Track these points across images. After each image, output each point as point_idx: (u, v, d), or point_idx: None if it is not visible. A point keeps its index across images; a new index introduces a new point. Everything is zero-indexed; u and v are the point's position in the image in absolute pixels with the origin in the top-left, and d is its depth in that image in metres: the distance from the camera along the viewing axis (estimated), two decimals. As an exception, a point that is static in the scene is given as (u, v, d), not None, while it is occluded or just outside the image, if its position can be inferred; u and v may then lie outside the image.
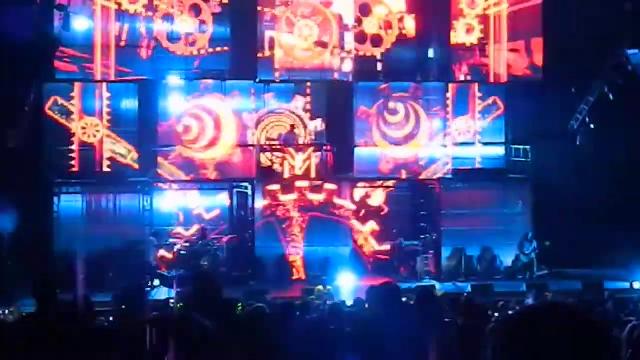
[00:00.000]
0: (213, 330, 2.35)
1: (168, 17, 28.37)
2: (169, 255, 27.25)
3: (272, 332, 8.88)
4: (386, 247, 28.85)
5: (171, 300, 18.88)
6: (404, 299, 11.78)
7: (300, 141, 29.02)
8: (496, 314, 13.55)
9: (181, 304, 17.49)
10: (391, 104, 29.34)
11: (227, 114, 28.62)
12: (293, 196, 27.96)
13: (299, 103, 29.53)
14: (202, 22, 28.59)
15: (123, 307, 8.24)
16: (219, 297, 8.19)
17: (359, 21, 29.27)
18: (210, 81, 28.70)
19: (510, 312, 12.96)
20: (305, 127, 29.50)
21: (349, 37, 29.31)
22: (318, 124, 29.54)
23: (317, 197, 28.18)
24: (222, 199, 29.02)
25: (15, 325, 9.62)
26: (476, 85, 30.04)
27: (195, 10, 28.54)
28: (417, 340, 6.78)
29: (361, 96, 29.25)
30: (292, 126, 29.10)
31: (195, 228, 28.32)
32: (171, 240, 27.88)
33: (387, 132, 29.34)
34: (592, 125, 28.56)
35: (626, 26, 27.50)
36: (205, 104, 28.50)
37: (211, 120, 28.51)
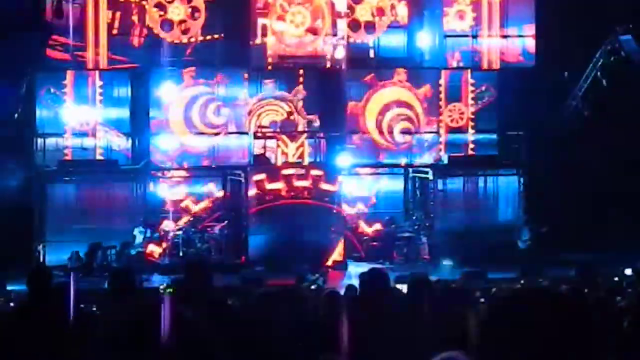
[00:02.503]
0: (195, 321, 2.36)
1: (160, 4, 28.30)
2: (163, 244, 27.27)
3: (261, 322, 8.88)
4: (380, 233, 28.90)
5: (161, 287, 18.92)
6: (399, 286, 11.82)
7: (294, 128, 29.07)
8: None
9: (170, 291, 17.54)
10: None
11: (221, 101, 28.63)
12: (306, 183, 28.01)
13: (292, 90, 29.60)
14: (195, 9, 28.51)
15: (113, 292, 8.28)
16: (210, 286, 8.21)
17: (351, 8, 29.24)
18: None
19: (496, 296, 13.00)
20: (298, 114, 29.51)
21: (342, 25, 29.27)
22: (309, 107, 29.59)
23: (330, 187, 28.22)
24: (217, 186, 28.99)
25: (10, 314, 9.64)
26: (469, 72, 30.05)
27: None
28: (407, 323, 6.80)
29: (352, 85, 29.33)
30: (290, 113, 29.11)
31: (204, 205, 28.45)
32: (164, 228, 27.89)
33: (382, 116, 29.41)
34: (585, 112, 28.58)
35: (619, 12, 27.50)
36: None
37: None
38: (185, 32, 28.50)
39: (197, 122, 28.34)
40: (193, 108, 28.30)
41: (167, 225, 28.00)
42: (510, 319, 2.43)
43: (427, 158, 29.32)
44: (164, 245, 27.15)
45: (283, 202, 27.98)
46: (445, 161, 29.07)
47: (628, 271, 20.82)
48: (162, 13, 28.31)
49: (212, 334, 2.69)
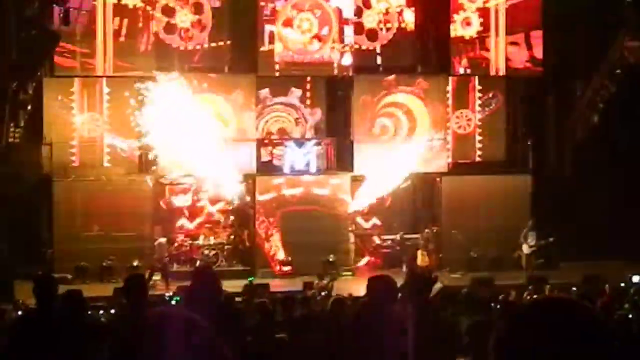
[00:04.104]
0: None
1: (167, 11, 28.33)
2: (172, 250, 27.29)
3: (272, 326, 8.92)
4: (387, 241, 28.91)
5: (167, 295, 18.95)
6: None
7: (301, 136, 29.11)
8: (498, 307, 13.55)
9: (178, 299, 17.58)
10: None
11: (227, 108, 28.62)
12: (300, 189, 28.15)
13: (298, 97, 29.65)
14: (202, 16, 28.54)
15: (124, 301, 8.29)
16: (219, 292, 8.21)
17: (358, 15, 29.25)
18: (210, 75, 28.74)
19: (512, 307, 12.97)
20: (305, 121, 29.55)
21: (349, 31, 29.30)
22: (318, 118, 29.65)
23: (322, 192, 28.27)
24: (224, 193, 28.93)
25: (16, 321, 9.66)
26: (476, 79, 30.03)
27: (195, 4, 28.51)
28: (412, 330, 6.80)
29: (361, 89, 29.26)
30: (297, 119, 29.14)
31: (212, 211, 28.46)
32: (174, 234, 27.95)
33: (389, 123, 29.35)
34: (593, 118, 28.52)
35: (626, 18, 27.46)
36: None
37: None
38: (192, 38, 28.52)
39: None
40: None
41: (175, 231, 28.07)
42: (531, 333, 2.40)
43: (434, 165, 29.18)
44: (172, 252, 27.17)
45: (292, 208, 28.05)
46: (453, 168, 29.01)
47: (635, 278, 20.76)
48: (169, 20, 28.35)
49: (221, 338, 2.71)
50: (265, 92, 29.28)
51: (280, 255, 27.72)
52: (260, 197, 28.02)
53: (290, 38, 29.00)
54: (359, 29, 29.31)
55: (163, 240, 25.55)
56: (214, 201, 28.79)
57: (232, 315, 8.97)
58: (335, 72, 29.28)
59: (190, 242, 27.99)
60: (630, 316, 10.20)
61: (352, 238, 28.65)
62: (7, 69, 24.13)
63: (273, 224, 27.96)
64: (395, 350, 6.82)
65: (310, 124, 29.59)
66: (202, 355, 2.65)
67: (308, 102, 29.75)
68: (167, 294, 20.66)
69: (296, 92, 29.64)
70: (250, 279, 23.68)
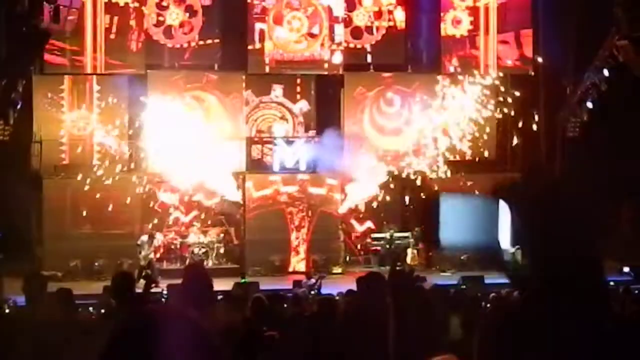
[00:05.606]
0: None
1: (158, 9, 28.30)
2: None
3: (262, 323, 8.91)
4: (377, 239, 28.90)
5: (164, 293, 18.90)
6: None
7: (291, 134, 29.08)
8: (488, 305, 13.56)
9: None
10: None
11: (218, 106, 28.62)
12: (295, 188, 28.15)
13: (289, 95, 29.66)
14: (192, 14, 28.53)
15: (113, 300, 8.27)
16: (209, 289, 8.19)
17: (348, 13, 29.26)
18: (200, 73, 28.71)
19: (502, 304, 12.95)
20: (295, 119, 29.52)
21: (339, 29, 29.30)
22: (306, 113, 29.64)
23: (312, 190, 28.29)
24: (215, 190, 28.91)
25: (7, 319, 9.65)
26: (466, 77, 30.00)
27: (186, 2, 28.49)
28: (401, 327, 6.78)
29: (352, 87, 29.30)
30: (282, 117, 29.13)
31: (201, 209, 28.40)
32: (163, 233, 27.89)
33: (380, 122, 29.35)
34: (584, 117, 28.54)
35: (616, 17, 27.48)
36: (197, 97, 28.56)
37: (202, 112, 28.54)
38: (182, 36, 28.49)
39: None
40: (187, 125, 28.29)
41: (164, 230, 28.01)
42: (513, 333, 2.40)
43: (424, 163, 29.15)
44: (161, 250, 27.13)
45: (279, 207, 28.03)
46: (442, 166, 29.00)
47: (626, 269, 20.79)
48: (160, 17, 28.33)
49: (214, 336, 2.70)
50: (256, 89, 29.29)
51: (302, 248, 27.73)
52: (249, 195, 27.94)
53: (281, 36, 29.00)
54: (349, 27, 29.31)
55: (145, 238, 25.46)
56: (204, 199, 28.71)
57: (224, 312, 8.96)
58: (326, 70, 29.28)
59: (180, 240, 27.94)
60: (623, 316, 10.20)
61: (342, 236, 28.66)
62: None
63: (309, 218, 27.96)
64: (384, 347, 6.82)
65: (300, 122, 29.54)
66: (192, 350, 2.64)
67: (298, 100, 29.69)
68: (163, 292, 20.63)
69: (278, 90, 29.65)
70: (242, 281, 23.63)
